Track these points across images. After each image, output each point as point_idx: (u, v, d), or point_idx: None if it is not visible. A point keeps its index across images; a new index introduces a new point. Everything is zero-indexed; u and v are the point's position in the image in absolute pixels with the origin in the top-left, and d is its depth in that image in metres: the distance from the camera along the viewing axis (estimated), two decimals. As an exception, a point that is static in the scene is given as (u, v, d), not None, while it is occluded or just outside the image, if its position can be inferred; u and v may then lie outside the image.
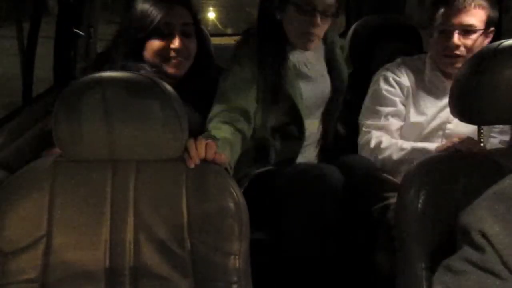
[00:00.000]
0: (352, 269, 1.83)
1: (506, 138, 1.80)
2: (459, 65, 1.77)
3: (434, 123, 1.87)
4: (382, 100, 1.88)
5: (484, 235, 0.96)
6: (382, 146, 1.81)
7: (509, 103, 1.24)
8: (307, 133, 1.92)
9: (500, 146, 1.72)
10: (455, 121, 1.80)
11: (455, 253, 1.04)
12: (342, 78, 2.02)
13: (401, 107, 1.88)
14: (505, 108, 1.25)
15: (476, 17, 1.73)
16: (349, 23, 3.22)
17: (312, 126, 1.97)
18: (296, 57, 1.89)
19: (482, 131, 1.36)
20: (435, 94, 1.87)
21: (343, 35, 3.27)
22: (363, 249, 1.80)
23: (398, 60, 1.95)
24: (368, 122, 1.89)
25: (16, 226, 1.25)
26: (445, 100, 1.80)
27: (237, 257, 1.28)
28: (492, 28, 1.78)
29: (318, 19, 1.76)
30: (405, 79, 1.88)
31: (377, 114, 1.88)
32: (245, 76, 1.78)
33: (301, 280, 1.77)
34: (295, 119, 1.88)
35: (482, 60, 1.27)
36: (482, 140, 1.35)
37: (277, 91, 1.82)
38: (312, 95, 1.93)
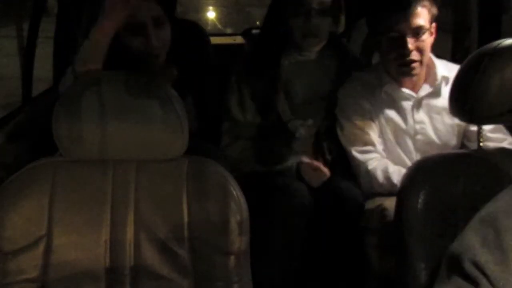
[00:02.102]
0: (347, 270, 1.84)
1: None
2: (415, 71, 1.75)
3: (403, 138, 1.86)
4: (357, 125, 1.86)
5: (477, 266, 0.92)
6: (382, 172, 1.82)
7: (509, 102, 1.24)
8: (297, 135, 1.92)
9: (499, 146, 1.72)
10: (423, 131, 1.83)
11: (440, 281, 0.99)
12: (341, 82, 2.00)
13: (373, 127, 1.87)
14: (505, 108, 1.25)
15: (423, 17, 1.72)
16: (349, 23, 3.22)
17: (305, 129, 1.97)
18: (297, 58, 1.90)
19: (481, 131, 1.36)
20: (394, 106, 1.85)
21: (343, 35, 3.28)
22: (356, 250, 1.80)
23: (353, 78, 1.92)
24: (354, 150, 1.87)
25: (17, 226, 1.25)
26: (406, 113, 1.83)
27: (237, 256, 1.28)
28: (433, 24, 1.77)
29: (314, 17, 1.78)
30: (364, 100, 1.86)
31: (360, 141, 1.86)
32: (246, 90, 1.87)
33: (300, 280, 1.78)
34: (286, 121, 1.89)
35: (482, 60, 1.27)
36: (481, 140, 1.36)
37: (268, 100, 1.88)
38: (307, 96, 1.93)
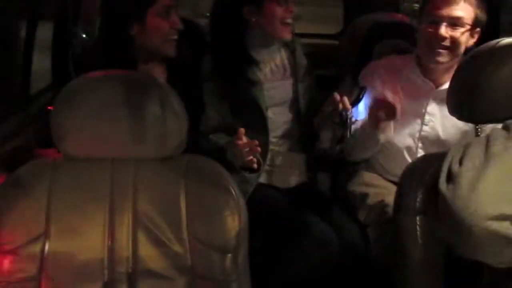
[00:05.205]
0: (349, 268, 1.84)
1: None
2: (442, 59, 1.78)
3: (410, 124, 1.87)
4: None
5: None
6: None
7: (507, 101, 1.24)
8: (269, 121, 1.92)
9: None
10: (432, 124, 1.85)
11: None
12: (303, 73, 2.02)
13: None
14: (503, 107, 1.25)
15: (465, 11, 1.75)
16: (347, 22, 3.22)
17: (277, 114, 1.97)
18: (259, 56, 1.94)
19: (479, 129, 1.36)
20: (412, 92, 1.87)
21: (341, 34, 3.28)
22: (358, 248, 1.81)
23: (379, 60, 1.98)
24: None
25: (15, 224, 1.25)
26: (421, 100, 1.85)
27: (235, 255, 1.28)
28: (478, 29, 1.79)
29: (292, 6, 1.88)
30: (383, 73, 1.90)
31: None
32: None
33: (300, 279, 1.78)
34: (255, 109, 1.91)
35: (480, 58, 1.27)
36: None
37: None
38: (274, 90, 1.95)
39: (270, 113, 1.92)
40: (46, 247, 1.26)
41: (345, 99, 1.73)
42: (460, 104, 1.30)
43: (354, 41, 2.45)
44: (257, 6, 1.87)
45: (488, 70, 1.24)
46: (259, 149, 1.70)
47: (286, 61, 2.00)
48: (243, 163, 1.74)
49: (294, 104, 1.99)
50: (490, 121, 1.36)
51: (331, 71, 2.57)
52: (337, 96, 1.73)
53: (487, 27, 1.95)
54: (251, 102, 1.89)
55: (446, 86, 1.79)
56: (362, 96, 1.78)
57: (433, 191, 1.26)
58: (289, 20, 1.89)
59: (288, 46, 2.01)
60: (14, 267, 1.24)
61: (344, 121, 1.78)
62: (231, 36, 1.92)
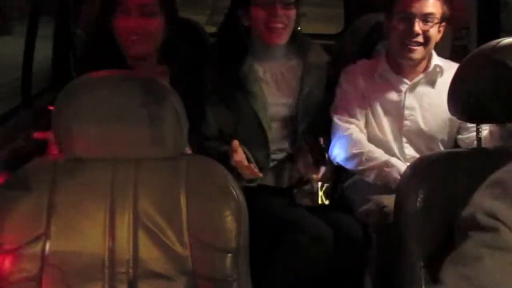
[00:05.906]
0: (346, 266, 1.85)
1: None
2: (416, 56, 1.82)
3: (391, 121, 1.90)
4: (347, 99, 1.92)
5: (490, 215, 0.94)
6: (352, 141, 1.86)
7: (507, 101, 1.24)
8: (270, 136, 1.90)
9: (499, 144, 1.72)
10: (412, 118, 1.88)
11: (458, 245, 1.01)
12: (315, 85, 1.99)
13: (362, 104, 1.92)
14: (503, 106, 1.25)
15: (435, 7, 1.80)
16: (348, 22, 3.22)
17: (276, 129, 1.95)
18: (260, 65, 1.91)
19: (480, 129, 1.36)
20: (388, 90, 1.90)
21: (341, 34, 3.28)
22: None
23: (358, 62, 1.99)
24: (337, 116, 1.92)
25: (15, 224, 1.25)
26: (397, 96, 1.88)
27: (236, 255, 1.28)
28: (443, 24, 1.84)
29: (278, 10, 1.81)
30: (360, 79, 1.92)
31: (345, 111, 1.91)
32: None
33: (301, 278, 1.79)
34: (257, 123, 1.89)
35: (480, 58, 1.27)
36: (480, 138, 1.36)
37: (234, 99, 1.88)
38: (274, 99, 1.93)
39: (272, 127, 1.90)
40: (47, 247, 1.26)
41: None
42: (461, 104, 1.31)
43: (354, 41, 2.45)
44: (246, 10, 1.85)
45: (488, 70, 1.24)
46: (256, 170, 1.75)
47: (293, 73, 1.96)
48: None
49: (295, 120, 1.96)
50: (491, 121, 1.37)
51: (331, 71, 2.57)
52: (301, 168, 1.84)
53: (487, 27, 1.96)
54: (253, 116, 1.87)
55: (418, 77, 1.88)
56: (328, 159, 1.87)
57: (433, 191, 1.26)
58: (278, 25, 1.83)
59: (300, 54, 1.97)
60: (15, 267, 1.25)
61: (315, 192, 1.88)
62: (232, 43, 1.90)
